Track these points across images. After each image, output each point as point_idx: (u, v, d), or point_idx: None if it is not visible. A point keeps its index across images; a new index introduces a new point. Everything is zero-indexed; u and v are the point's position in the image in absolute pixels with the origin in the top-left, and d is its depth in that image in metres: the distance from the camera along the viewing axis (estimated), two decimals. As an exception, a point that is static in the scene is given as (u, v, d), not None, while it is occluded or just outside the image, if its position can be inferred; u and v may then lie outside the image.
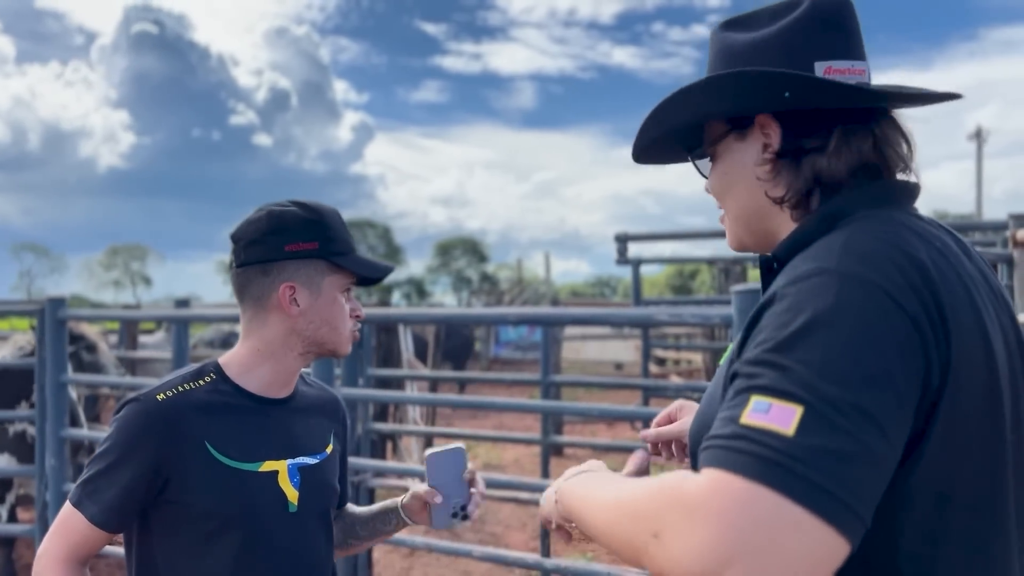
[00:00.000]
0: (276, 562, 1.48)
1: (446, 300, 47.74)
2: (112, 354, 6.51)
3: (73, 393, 4.83)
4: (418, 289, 49.28)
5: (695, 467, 0.89)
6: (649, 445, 1.24)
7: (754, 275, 7.73)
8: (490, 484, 4.17)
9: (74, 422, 4.76)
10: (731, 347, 1.01)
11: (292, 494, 1.51)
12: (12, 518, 5.22)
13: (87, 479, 1.46)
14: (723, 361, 1.07)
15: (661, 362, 13.17)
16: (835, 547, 0.74)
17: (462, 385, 14.36)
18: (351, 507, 1.81)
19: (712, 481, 0.75)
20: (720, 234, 6.15)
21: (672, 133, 1.13)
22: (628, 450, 7.17)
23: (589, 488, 0.97)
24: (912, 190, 1.03)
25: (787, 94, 0.98)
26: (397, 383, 8.28)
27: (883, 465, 0.78)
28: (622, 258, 5.73)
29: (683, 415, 1.26)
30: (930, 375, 0.83)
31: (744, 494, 0.73)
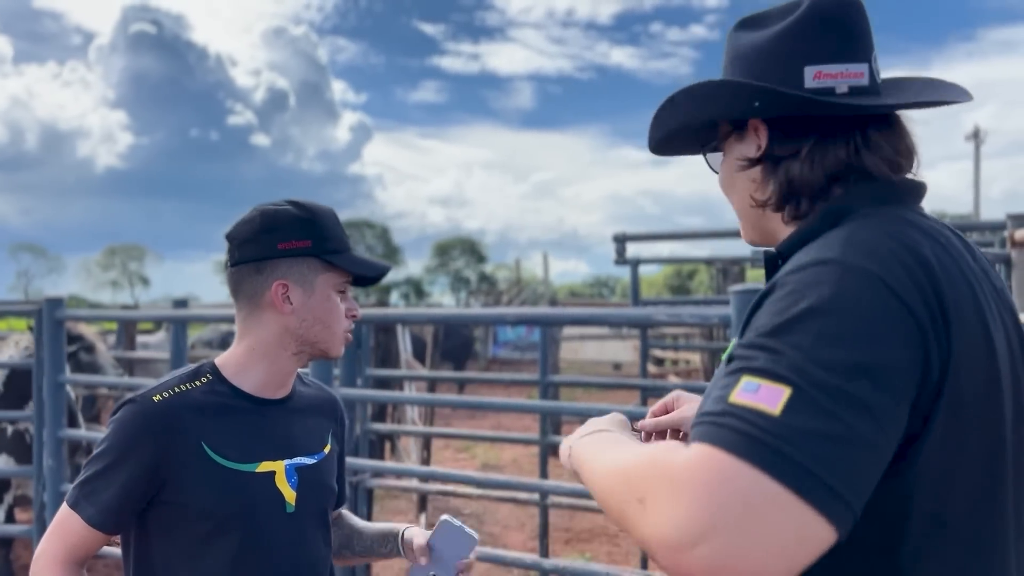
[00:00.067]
0: (274, 562, 1.48)
1: (444, 300, 47.76)
2: (110, 354, 6.51)
3: (71, 393, 4.83)
4: (416, 289, 49.29)
5: None
6: (643, 435, 1.25)
7: (753, 275, 7.73)
8: (488, 484, 4.17)
9: (72, 422, 4.75)
10: (731, 345, 1.02)
11: (290, 494, 1.51)
12: (10, 519, 5.22)
13: (84, 480, 1.45)
14: (723, 359, 1.08)
15: (659, 362, 13.17)
16: (816, 529, 0.73)
17: (461, 385, 14.36)
18: (353, 519, 1.80)
19: (697, 455, 0.76)
20: (718, 234, 6.16)
21: (684, 129, 1.13)
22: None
23: (594, 451, 0.97)
24: (918, 189, 1.03)
25: (756, 104, 1.01)
26: (395, 383, 8.28)
27: (873, 453, 0.77)
28: (620, 258, 5.72)
29: (679, 405, 1.26)
30: (929, 369, 0.83)
31: (725, 469, 0.74)
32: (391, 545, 1.67)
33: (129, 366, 8.23)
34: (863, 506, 0.77)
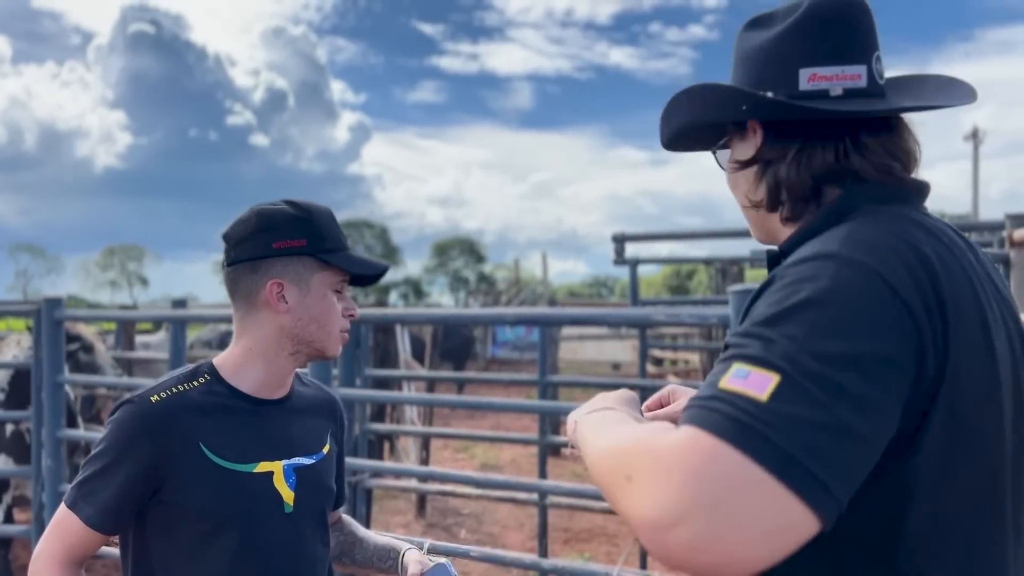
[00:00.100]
0: (272, 563, 1.48)
1: (443, 300, 47.73)
2: (109, 355, 6.50)
3: (70, 393, 4.82)
4: (415, 289, 49.29)
5: None
6: None
7: (752, 275, 7.74)
8: (487, 484, 4.17)
9: (71, 423, 4.75)
10: None
11: (288, 495, 1.51)
12: (8, 519, 5.21)
13: (82, 480, 1.45)
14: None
15: (658, 362, 13.18)
16: (797, 516, 0.73)
17: (460, 385, 14.35)
18: (357, 527, 1.79)
19: (684, 437, 0.77)
20: (717, 234, 6.16)
21: (692, 128, 1.14)
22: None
23: (594, 429, 0.97)
24: (921, 189, 1.03)
25: (744, 107, 1.02)
26: (394, 383, 8.28)
27: (860, 444, 0.77)
28: (619, 258, 5.72)
29: (675, 399, 1.27)
30: (924, 366, 0.83)
31: (710, 451, 0.74)
32: (391, 562, 1.68)
33: (128, 366, 8.22)
34: (849, 497, 0.77)
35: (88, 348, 5.94)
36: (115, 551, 1.56)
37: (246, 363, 1.54)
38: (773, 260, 1.07)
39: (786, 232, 1.06)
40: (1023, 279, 3.71)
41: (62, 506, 1.47)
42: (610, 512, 5.73)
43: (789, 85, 1.02)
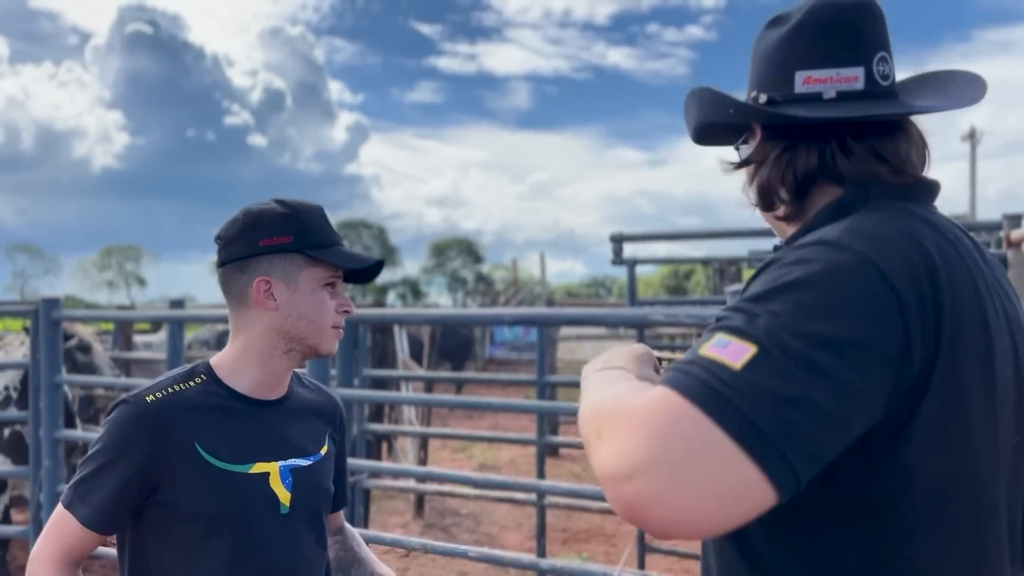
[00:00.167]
0: (268, 563, 1.48)
1: (441, 301, 47.72)
2: (106, 355, 6.50)
3: (68, 394, 4.82)
4: (413, 290, 49.24)
5: None
6: None
7: (749, 275, 7.73)
8: (485, 484, 4.17)
9: (69, 423, 4.74)
10: None
11: (284, 496, 1.50)
12: (6, 519, 5.21)
13: (79, 480, 1.46)
14: None
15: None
16: (754, 483, 0.74)
17: (459, 386, 14.35)
18: (359, 543, 1.78)
19: (656, 395, 0.79)
20: (715, 235, 6.15)
21: (708, 126, 1.16)
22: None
23: (589, 390, 0.98)
24: (931, 187, 1.04)
25: (731, 111, 1.05)
26: (392, 384, 8.27)
27: (828, 424, 0.78)
28: (617, 258, 5.72)
29: None
30: (910, 358, 0.84)
31: (676, 411, 0.76)
32: None
33: (126, 366, 8.22)
34: (811, 473, 0.78)
35: (86, 348, 5.94)
36: (112, 551, 1.56)
37: (242, 363, 1.53)
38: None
39: (789, 230, 1.07)
40: (1020, 279, 3.72)
41: (59, 506, 1.47)
42: (608, 512, 5.74)
43: (786, 87, 1.04)
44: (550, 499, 5.43)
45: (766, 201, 1.07)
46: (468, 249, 50.83)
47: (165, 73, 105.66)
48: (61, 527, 1.46)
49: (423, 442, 7.74)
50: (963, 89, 1.07)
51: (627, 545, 6.49)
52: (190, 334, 12.35)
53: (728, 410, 0.75)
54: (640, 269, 5.78)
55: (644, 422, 0.77)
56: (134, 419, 1.44)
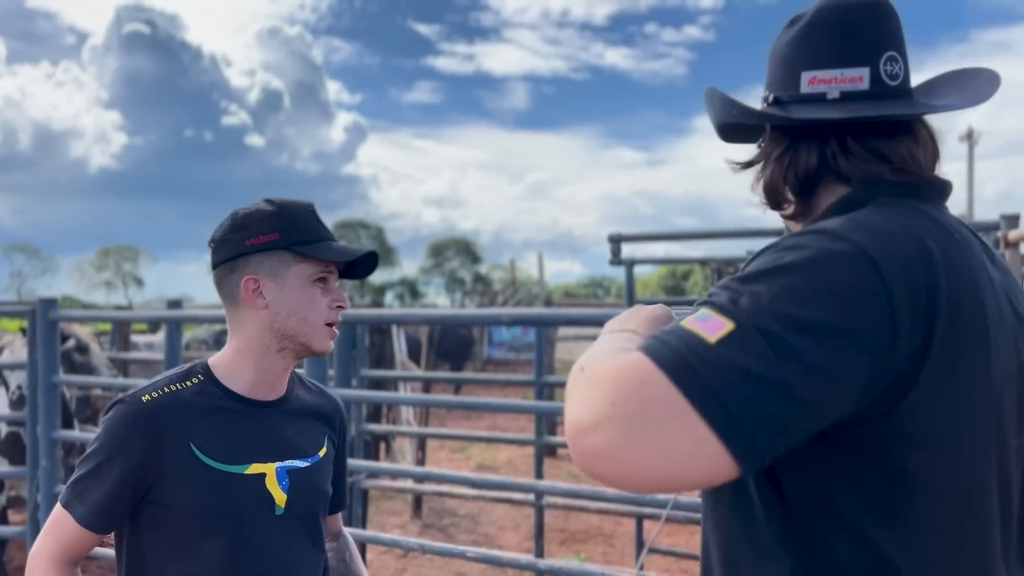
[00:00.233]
0: (262, 564, 1.47)
1: (439, 301, 47.68)
2: (104, 355, 6.49)
3: (66, 394, 4.81)
4: (411, 290, 49.22)
5: None
6: None
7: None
8: (483, 485, 4.17)
9: (67, 423, 4.73)
10: None
11: (280, 497, 1.50)
12: (3, 520, 5.20)
13: (76, 480, 1.46)
14: None
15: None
16: (711, 452, 0.77)
17: (458, 386, 14.35)
18: (355, 559, 1.78)
19: (629, 358, 0.82)
20: (713, 235, 6.15)
21: (729, 125, 1.17)
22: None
23: (593, 347, 0.98)
24: (941, 187, 1.04)
25: (735, 111, 1.07)
26: (390, 384, 8.27)
27: (797, 406, 0.79)
28: (615, 259, 5.72)
29: None
30: (893, 353, 0.84)
31: (644, 375, 0.79)
32: None
33: (123, 367, 8.21)
34: (775, 451, 0.80)
35: (83, 349, 5.93)
36: (110, 552, 1.56)
37: (238, 363, 1.53)
38: None
39: (798, 228, 1.08)
40: (1017, 279, 3.72)
41: (58, 505, 1.48)
42: (606, 513, 5.74)
43: (792, 87, 1.05)
44: (548, 499, 5.43)
45: (773, 200, 1.08)
46: (466, 249, 50.79)
47: (163, 73, 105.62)
48: (59, 526, 1.46)
49: (421, 442, 7.73)
50: (979, 87, 1.07)
51: (627, 547, 6.50)
52: (188, 334, 12.35)
53: (693, 380, 0.78)
54: (638, 269, 5.79)
55: (613, 382, 0.80)
56: (129, 419, 1.44)
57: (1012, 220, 3.88)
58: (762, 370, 0.79)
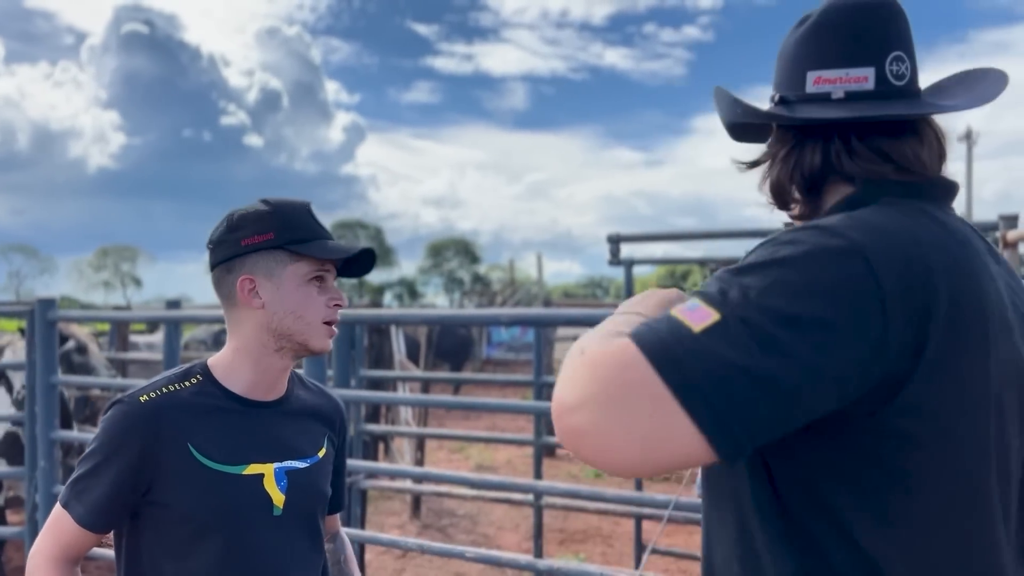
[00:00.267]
0: (259, 564, 1.47)
1: (438, 301, 47.65)
2: (102, 355, 6.48)
3: (64, 394, 4.81)
4: (410, 290, 49.18)
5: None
6: None
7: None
8: (482, 485, 4.17)
9: (66, 424, 4.73)
10: None
11: (278, 498, 1.50)
12: (2, 520, 5.20)
13: (75, 480, 1.46)
14: None
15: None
16: (687, 437, 0.79)
17: (457, 386, 14.34)
18: (349, 562, 1.78)
19: (618, 343, 0.84)
20: (712, 235, 6.15)
21: (738, 125, 1.18)
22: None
23: (596, 328, 0.99)
24: (946, 187, 1.04)
25: (740, 110, 1.07)
26: (389, 384, 8.27)
27: (779, 397, 0.80)
28: (614, 259, 5.72)
29: None
30: (885, 347, 0.84)
31: (628, 359, 0.82)
32: None
33: (122, 367, 8.20)
34: (755, 441, 0.81)
35: (82, 349, 5.92)
36: (108, 552, 1.56)
37: (236, 363, 1.53)
38: None
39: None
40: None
41: (57, 504, 1.48)
42: (605, 513, 5.74)
43: (798, 87, 1.05)
44: (547, 500, 5.43)
45: (780, 199, 1.09)
46: (465, 249, 50.75)
47: (161, 73, 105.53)
48: (59, 526, 1.47)
49: (420, 443, 7.73)
50: (986, 87, 1.06)
51: (626, 547, 6.50)
52: (187, 334, 12.34)
53: (674, 367, 0.80)
54: (637, 269, 5.79)
55: (599, 364, 0.83)
56: (127, 419, 1.44)
57: (1011, 220, 3.88)
58: (743, 361, 0.80)
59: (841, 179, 1.03)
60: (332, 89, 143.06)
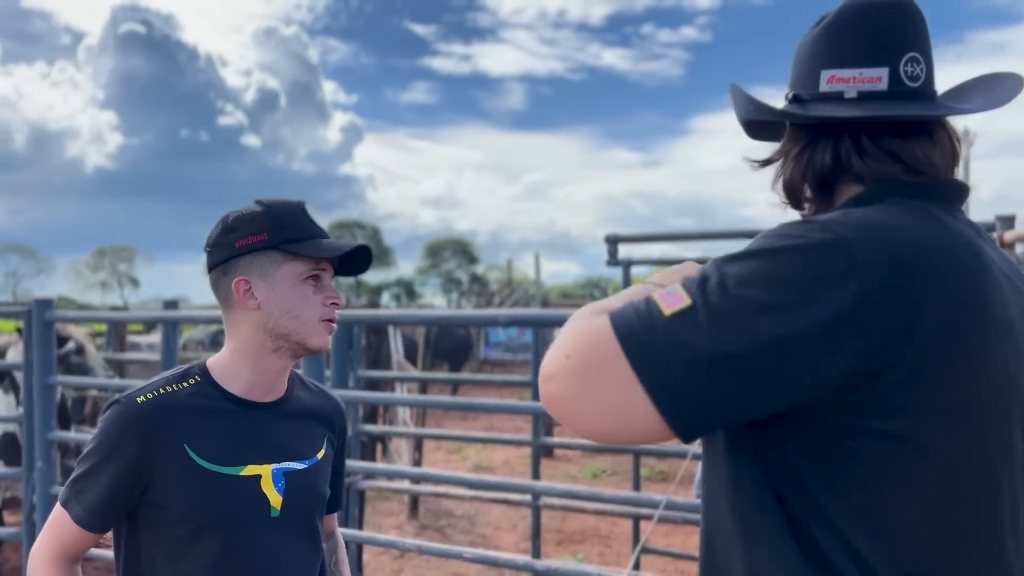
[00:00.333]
0: (255, 566, 1.47)
1: (436, 301, 47.57)
2: (99, 356, 6.48)
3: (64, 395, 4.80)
4: (407, 290, 49.13)
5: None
6: None
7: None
8: (480, 486, 4.17)
9: (65, 424, 4.72)
10: None
11: (275, 499, 1.50)
12: (-1, 521, 5.19)
13: (73, 480, 1.47)
14: None
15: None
16: (646, 417, 0.86)
17: (455, 387, 14.34)
18: (341, 563, 1.78)
19: (599, 321, 0.90)
20: (709, 235, 6.15)
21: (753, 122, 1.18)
22: (619, 451, 7.19)
23: (604, 300, 1.03)
24: (956, 189, 1.03)
25: (753, 107, 1.08)
26: (387, 385, 8.27)
27: (739, 385, 0.84)
28: (612, 259, 5.71)
29: None
30: (856, 347, 0.84)
31: (601, 337, 0.88)
32: None
33: (119, 367, 8.19)
34: (714, 423, 0.87)
35: (79, 350, 5.92)
36: (107, 553, 1.56)
37: (235, 365, 1.53)
38: None
39: None
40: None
41: (57, 503, 1.49)
42: (603, 513, 5.74)
43: (811, 85, 1.05)
44: (545, 500, 5.43)
45: (792, 198, 1.09)
46: (463, 250, 50.70)
47: (159, 73, 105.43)
48: (58, 525, 1.47)
49: (418, 443, 7.73)
50: (1001, 91, 1.06)
51: (623, 547, 6.50)
52: (184, 335, 12.32)
53: (638, 348, 0.86)
54: (635, 270, 5.79)
55: (576, 339, 0.91)
56: (124, 420, 1.44)
57: (1007, 221, 3.88)
58: (705, 345, 0.84)
59: (852, 179, 1.02)
60: (330, 89, 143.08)
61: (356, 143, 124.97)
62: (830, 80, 1.04)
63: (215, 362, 1.56)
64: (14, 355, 5.50)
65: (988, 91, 1.07)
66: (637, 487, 5.47)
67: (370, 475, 4.73)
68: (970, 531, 0.90)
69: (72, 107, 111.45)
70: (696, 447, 3.58)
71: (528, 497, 5.52)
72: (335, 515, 1.80)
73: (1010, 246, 3.62)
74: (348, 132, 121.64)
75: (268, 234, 1.49)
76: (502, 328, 22.15)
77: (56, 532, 1.47)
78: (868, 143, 1.01)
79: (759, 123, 1.14)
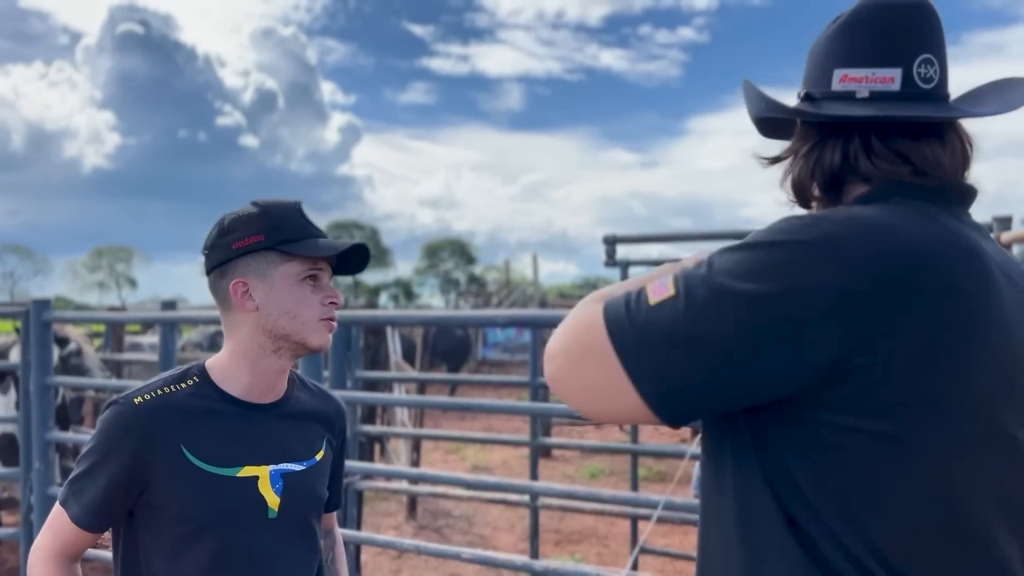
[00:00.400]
0: (252, 567, 1.47)
1: (434, 302, 47.55)
2: (97, 356, 6.47)
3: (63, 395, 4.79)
4: (405, 291, 49.09)
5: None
6: None
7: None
8: (478, 486, 4.17)
9: (64, 425, 4.72)
10: None
11: (273, 500, 1.50)
12: (-4, 522, 5.18)
13: (72, 480, 1.47)
14: None
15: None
16: (630, 400, 0.91)
17: (453, 387, 14.33)
18: (337, 560, 1.78)
19: (594, 308, 0.97)
20: (707, 236, 6.17)
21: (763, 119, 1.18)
22: (617, 451, 7.19)
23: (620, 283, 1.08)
24: (963, 192, 1.03)
25: (763, 104, 1.09)
26: (385, 385, 8.27)
27: (715, 372, 0.88)
28: (610, 260, 5.71)
29: None
30: (837, 340, 0.84)
31: (593, 322, 0.95)
32: None
33: (117, 368, 8.19)
34: (692, 408, 0.91)
35: (77, 351, 5.91)
36: (105, 554, 1.56)
37: (234, 366, 1.53)
38: None
39: None
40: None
41: (57, 503, 1.49)
42: (601, 513, 5.74)
43: (824, 84, 1.05)
44: (543, 500, 5.43)
45: (800, 197, 1.09)
46: (461, 250, 50.67)
47: (156, 73, 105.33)
48: (57, 524, 1.48)
49: (416, 443, 7.73)
50: (1016, 96, 1.06)
51: (622, 548, 6.50)
52: (184, 335, 12.31)
53: (622, 335, 0.92)
54: (633, 271, 5.78)
55: (574, 324, 0.98)
56: (121, 420, 1.44)
57: (1004, 222, 3.89)
58: (685, 333, 0.88)
59: (860, 178, 1.02)
60: (328, 90, 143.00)
61: (354, 144, 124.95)
62: (843, 79, 1.03)
63: (214, 363, 1.56)
64: (16, 356, 5.50)
65: (1003, 95, 1.07)
66: (635, 487, 5.48)
67: (368, 475, 4.73)
68: (960, 530, 0.90)
69: (70, 107, 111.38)
70: (694, 447, 3.58)
71: (526, 497, 5.52)
72: (334, 514, 1.80)
73: (1008, 247, 3.63)
74: (346, 132, 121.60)
75: (264, 235, 1.49)
76: (500, 329, 22.14)
77: (55, 531, 1.48)
78: (878, 143, 1.01)
79: (770, 121, 1.14)
